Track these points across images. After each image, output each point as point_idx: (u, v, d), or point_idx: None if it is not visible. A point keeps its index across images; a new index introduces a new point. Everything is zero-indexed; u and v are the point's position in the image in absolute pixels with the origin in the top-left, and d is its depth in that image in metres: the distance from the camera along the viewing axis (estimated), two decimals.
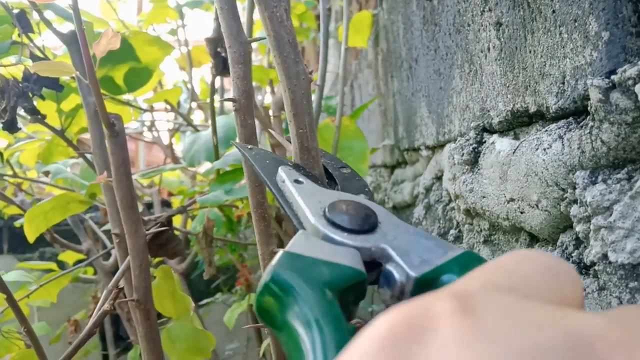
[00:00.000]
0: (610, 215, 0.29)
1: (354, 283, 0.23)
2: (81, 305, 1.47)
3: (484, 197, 0.44)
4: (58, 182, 1.04)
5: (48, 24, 0.65)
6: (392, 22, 0.81)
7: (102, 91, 0.70)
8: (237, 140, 0.45)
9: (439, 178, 0.66)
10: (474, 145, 0.48)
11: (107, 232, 1.14)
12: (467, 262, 0.23)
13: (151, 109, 1.24)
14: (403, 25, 0.74)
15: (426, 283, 0.23)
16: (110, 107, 0.65)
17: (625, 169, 0.29)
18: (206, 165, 1.13)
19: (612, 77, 0.28)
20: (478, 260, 0.23)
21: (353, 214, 0.27)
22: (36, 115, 0.62)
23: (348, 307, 0.23)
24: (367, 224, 0.26)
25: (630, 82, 0.27)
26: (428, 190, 0.68)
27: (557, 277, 0.16)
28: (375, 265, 0.25)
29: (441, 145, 0.62)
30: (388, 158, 0.96)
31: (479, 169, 0.46)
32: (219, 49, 0.92)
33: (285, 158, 0.37)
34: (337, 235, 0.26)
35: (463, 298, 0.13)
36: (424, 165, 0.73)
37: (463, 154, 0.48)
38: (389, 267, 0.24)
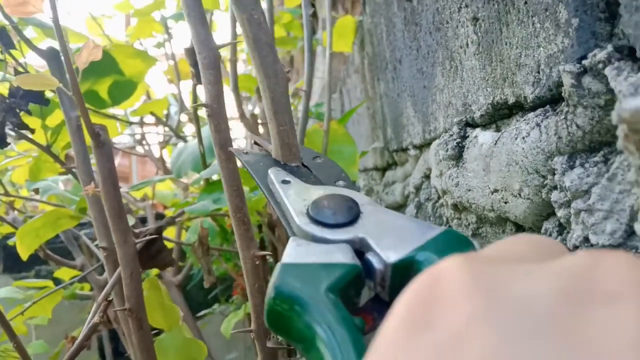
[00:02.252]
0: (589, 198, 0.29)
1: (352, 278, 0.24)
2: (79, 322, 1.46)
3: (469, 190, 0.45)
4: (51, 199, 1.04)
5: (27, 41, 0.66)
6: (376, 25, 0.82)
7: (87, 105, 0.71)
8: (213, 146, 0.45)
9: (427, 176, 0.66)
10: (458, 140, 0.48)
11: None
12: (447, 240, 0.24)
13: (141, 123, 1.25)
14: (385, 27, 0.74)
15: (403, 267, 0.23)
16: (95, 121, 0.65)
17: (601, 152, 0.29)
18: (196, 176, 1.13)
19: (583, 62, 0.29)
20: (457, 238, 0.24)
21: (335, 208, 0.28)
22: (26, 130, 0.62)
23: (352, 300, 0.24)
24: (349, 216, 0.27)
25: (600, 65, 0.27)
26: (418, 189, 0.69)
27: (550, 248, 0.16)
28: (361, 255, 0.26)
29: (428, 144, 0.63)
30: (379, 160, 0.97)
31: (463, 163, 0.47)
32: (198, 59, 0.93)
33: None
34: (321, 233, 0.26)
35: (464, 263, 0.13)
36: (413, 165, 0.73)
37: (447, 149, 0.48)
38: (369, 256, 0.25)
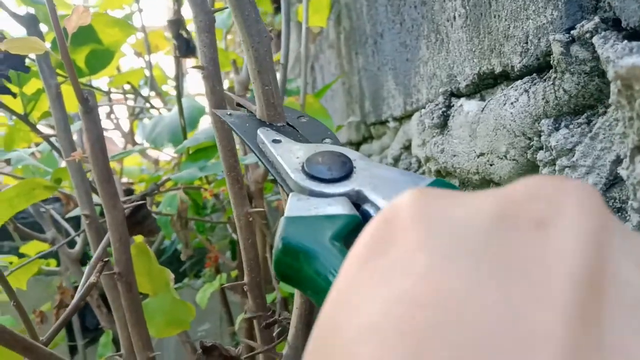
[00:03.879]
0: (573, 155, 0.32)
1: (353, 227, 0.25)
2: (44, 298, 1.44)
3: (454, 155, 0.48)
4: (16, 172, 1.02)
5: (3, 5, 0.64)
6: (355, 0, 0.83)
7: (61, 73, 0.70)
8: (207, 106, 0.46)
9: (407, 148, 0.69)
10: (443, 109, 0.51)
11: (70, 220, 1.12)
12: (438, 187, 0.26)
13: (108, 93, 1.23)
14: (366, 1, 0.76)
15: None
16: (70, 91, 0.64)
17: (585, 114, 0.32)
18: (171, 151, 1.13)
19: (572, 32, 0.32)
20: (447, 186, 0.26)
21: (329, 164, 0.29)
22: (8, 94, 0.61)
23: None
24: (344, 171, 0.28)
25: (587, 35, 0.31)
26: (397, 160, 0.71)
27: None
28: (357, 207, 0.27)
29: (409, 116, 0.66)
30: (354, 135, 0.99)
31: (448, 131, 0.50)
32: (181, 31, 0.92)
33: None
34: (318, 187, 0.28)
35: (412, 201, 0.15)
36: (392, 137, 0.76)
37: (433, 118, 0.51)
38: (366, 207, 0.27)
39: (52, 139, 0.80)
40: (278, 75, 0.97)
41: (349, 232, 0.24)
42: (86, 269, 0.55)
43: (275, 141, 0.33)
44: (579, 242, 0.12)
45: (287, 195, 0.28)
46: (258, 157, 0.33)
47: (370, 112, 0.83)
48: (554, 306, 0.10)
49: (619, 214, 0.31)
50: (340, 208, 0.26)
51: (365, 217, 0.26)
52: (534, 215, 0.13)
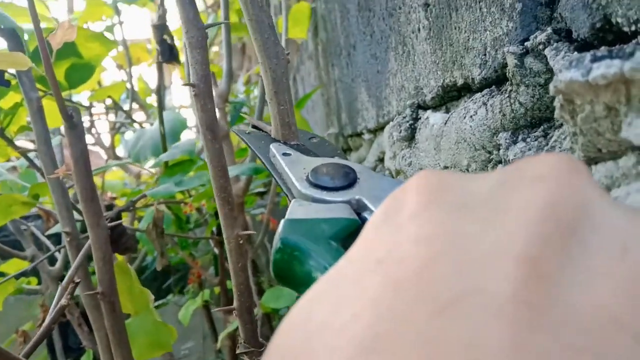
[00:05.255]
0: None
1: (353, 230, 0.25)
2: (26, 318, 1.41)
3: (421, 168, 0.47)
4: None
5: None
6: (330, 11, 0.83)
7: (41, 87, 0.68)
8: (198, 125, 0.47)
9: (381, 160, 0.68)
10: (410, 122, 0.50)
11: (51, 237, 1.10)
12: None
13: (89, 108, 1.21)
14: (340, 13, 0.76)
15: None
16: (51, 105, 0.63)
17: (542, 127, 0.32)
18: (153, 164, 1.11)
19: (526, 43, 0.31)
20: None
21: (333, 174, 0.30)
22: None
23: None
24: (346, 181, 0.29)
25: (541, 46, 0.30)
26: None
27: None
28: (357, 215, 0.27)
29: (381, 128, 0.65)
30: None
31: (415, 144, 0.49)
32: (164, 36, 0.92)
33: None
34: (320, 195, 0.28)
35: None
36: (367, 149, 0.75)
37: (401, 131, 0.50)
38: (366, 214, 0.27)
39: (32, 154, 0.79)
40: (258, 89, 0.96)
41: (348, 234, 0.25)
42: (58, 291, 0.54)
43: (285, 154, 0.34)
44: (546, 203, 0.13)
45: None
46: (268, 168, 0.34)
47: (346, 124, 0.82)
48: (513, 258, 0.11)
49: None
50: (341, 213, 0.26)
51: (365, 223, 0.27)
52: (529, 176, 0.14)
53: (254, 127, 0.42)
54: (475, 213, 0.14)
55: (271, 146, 0.36)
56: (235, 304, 0.50)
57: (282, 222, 0.25)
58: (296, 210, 0.27)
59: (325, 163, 0.31)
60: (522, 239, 0.12)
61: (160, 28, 0.89)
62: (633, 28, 0.23)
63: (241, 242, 0.48)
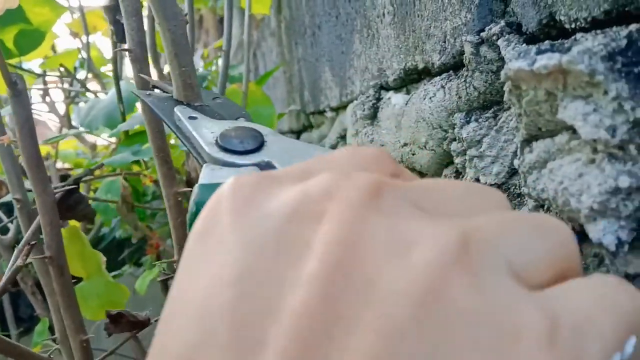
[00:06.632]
0: (481, 146, 0.35)
1: None
2: None
3: (382, 145, 0.51)
4: None
5: None
6: None
7: None
8: (136, 88, 0.47)
9: (343, 137, 0.71)
10: (373, 101, 0.53)
11: (4, 206, 1.08)
12: None
13: (43, 75, 1.18)
14: None
15: None
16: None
17: (492, 109, 0.36)
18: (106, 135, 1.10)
19: (482, 34, 0.35)
20: None
21: (241, 138, 0.31)
22: None
23: None
24: (255, 144, 0.30)
25: (494, 37, 0.34)
26: (334, 148, 0.74)
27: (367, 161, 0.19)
28: None
29: (344, 106, 0.68)
30: (294, 123, 1.01)
31: (377, 122, 0.52)
32: (117, 17, 0.91)
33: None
34: (230, 158, 0.29)
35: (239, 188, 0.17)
36: (329, 126, 0.78)
37: (364, 109, 0.54)
38: None
39: None
40: (220, 62, 0.97)
41: None
42: (14, 253, 0.55)
43: (191, 118, 0.34)
44: (331, 240, 0.14)
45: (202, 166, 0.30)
46: (175, 132, 0.34)
47: (309, 102, 0.85)
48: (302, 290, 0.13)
49: (519, 199, 0.34)
50: None
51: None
52: (317, 211, 0.15)
53: (154, 87, 0.42)
54: (266, 251, 0.14)
55: (176, 109, 0.35)
56: (175, 257, 0.52)
57: (195, 187, 0.26)
58: (209, 174, 0.27)
59: (233, 127, 0.32)
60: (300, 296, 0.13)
61: (113, 9, 0.88)
62: (573, 25, 0.27)
63: (180, 199, 0.51)
